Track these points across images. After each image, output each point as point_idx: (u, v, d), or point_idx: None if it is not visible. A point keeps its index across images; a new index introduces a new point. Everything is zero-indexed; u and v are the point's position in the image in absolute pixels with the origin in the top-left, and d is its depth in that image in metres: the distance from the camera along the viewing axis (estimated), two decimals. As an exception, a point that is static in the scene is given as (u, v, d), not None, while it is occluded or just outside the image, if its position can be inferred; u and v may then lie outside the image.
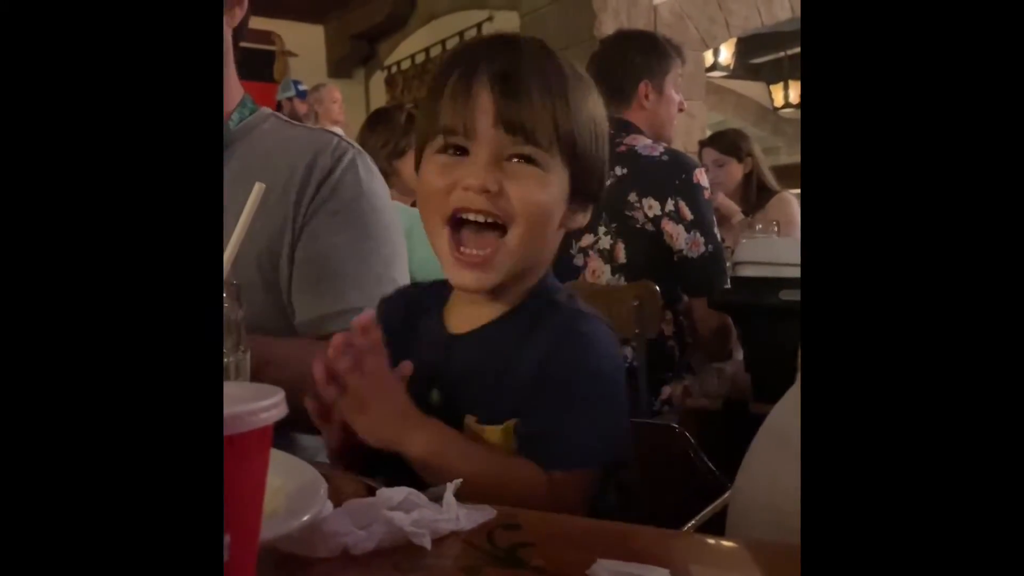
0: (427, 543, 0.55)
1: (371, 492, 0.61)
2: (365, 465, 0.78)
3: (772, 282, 1.70)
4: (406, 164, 2.43)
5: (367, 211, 1.10)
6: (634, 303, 1.80)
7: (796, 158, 8.02)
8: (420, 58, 6.56)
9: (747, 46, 6.72)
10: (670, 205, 1.92)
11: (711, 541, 0.65)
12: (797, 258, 1.68)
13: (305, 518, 0.51)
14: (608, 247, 1.95)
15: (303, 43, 7.05)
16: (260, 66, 6.63)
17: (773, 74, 8.01)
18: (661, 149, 1.98)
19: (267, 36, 6.85)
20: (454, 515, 0.59)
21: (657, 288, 1.80)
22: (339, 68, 7.20)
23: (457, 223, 0.79)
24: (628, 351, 1.81)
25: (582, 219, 0.85)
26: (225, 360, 0.64)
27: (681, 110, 2.18)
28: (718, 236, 1.99)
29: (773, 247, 1.84)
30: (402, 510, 0.57)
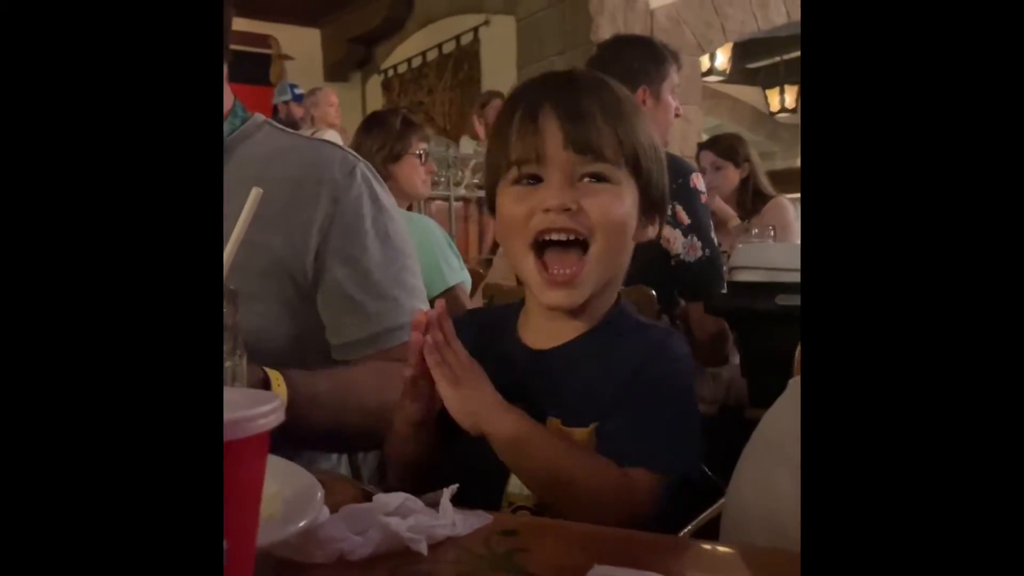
0: (424, 549, 0.55)
1: (368, 498, 0.61)
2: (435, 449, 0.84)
3: (768, 287, 1.70)
4: (402, 168, 2.43)
5: (389, 224, 1.10)
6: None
7: (792, 163, 8.05)
8: (417, 62, 6.57)
9: (743, 51, 6.75)
10: (667, 209, 1.92)
11: (707, 547, 0.65)
12: (793, 263, 1.69)
13: (302, 524, 0.51)
14: (605, 251, 1.95)
15: (299, 47, 7.06)
16: (256, 70, 6.64)
17: (769, 79, 8.04)
18: (658, 153, 1.98)
19: (263, 40, 6.85)
20: (451, 521, 0.59)
21: (653, 292, 1.80)
22: (335, 72, 7.20)
23: (540, 247, 0.83)
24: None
25: (652, 231, 0.91)
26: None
27: (677, 115, 2.18)
28: (715, 241, 1.99)
29: (769, 252, 1.85)
30: (399, 516, 0.57)
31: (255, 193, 0.69)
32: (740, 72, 7.46)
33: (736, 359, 2.00)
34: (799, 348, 0.99)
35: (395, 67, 6.86)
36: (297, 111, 4.96)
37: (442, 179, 4.45)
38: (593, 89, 0.86)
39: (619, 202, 0.84)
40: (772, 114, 8.20)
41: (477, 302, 2.25)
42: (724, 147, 3.12)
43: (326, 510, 0.56)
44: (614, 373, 0.83)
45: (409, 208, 2.65)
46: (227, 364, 0.66)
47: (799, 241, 2.48)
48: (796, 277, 1.62)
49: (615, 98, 0.86)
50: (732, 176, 3.08)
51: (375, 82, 7.14)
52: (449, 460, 0.85)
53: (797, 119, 8.14)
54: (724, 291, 1.94)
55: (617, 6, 4.46)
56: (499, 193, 0.88)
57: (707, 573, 0.60)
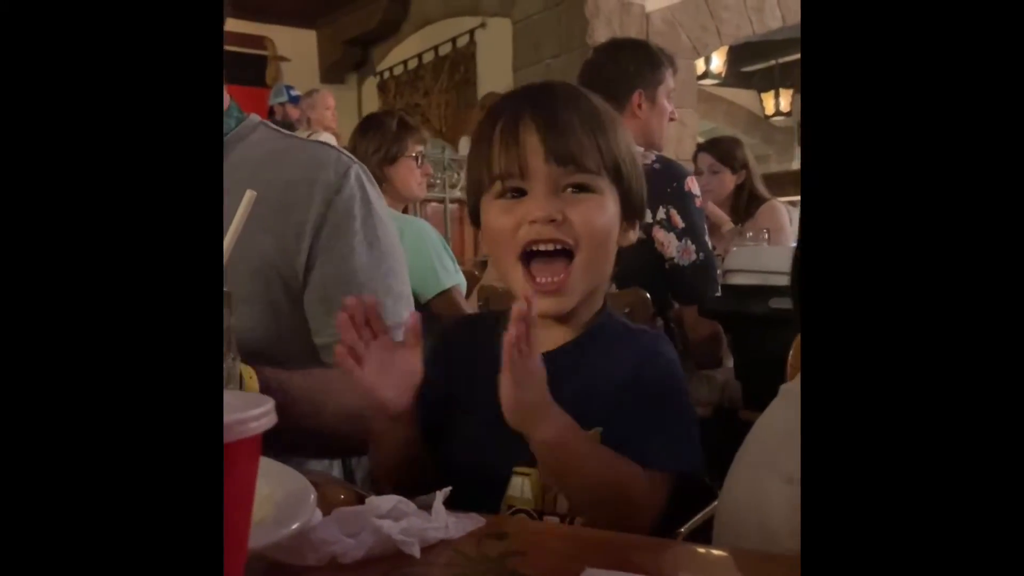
0: (416, 551, 0.55)
1: (360, 500, 0.61)
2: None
3: (762, 290, 1.71)
4: (398, 170, 2.42)
5: (378, 227, 1.10)
6: (625, 310, 1.80)
7: (786, 166, 8.07)
8: (413, 64, 6.57)
9: (738, 54, 6.75)
10: (661, 213, 1.93)
11: (700, 550, 0.65)
12: (787, 266, 1.69)
13: (294, 526, 0.51)
14: (599, 254, 1.96)
15: (296, 48, 7.06)
16: (252, 71, 6.63)
17: (764, 82, 8.05)
18: (653, 157, 1.98)
19: (259, 41, 6.85)
20: (443, 523, 0.59)
21: (648, 295, 1.80)
22: (331, 73, 7.19)
23: (526, 257, 0.85)
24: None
25: (632, 236, 0.92)
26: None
27: (672, 119, 2.19)
28: (709, 244, 2.00)
29: (763, 255, 1.85)
30: (391, 518, 0.57)
31: (249, 195, 0.69)
32: (735, 75, 7.47)
33: (730, 362, 2.00)
34: (791, 352, 0.99)
35: (391, 69, 6.85)
36: (293, 113, 4.95)
37: (438, 181, 4.45)
38: (571, 101, 0.87)
39: (602, 211, 0.86)
40: (767, 117, 8.21)
41: (472, 304, 2.25)
42: (723, 151, 3.12)
43: (319, 512, 0.56)
44: (609, 378, 0.84)
45: (404, 210, 2.65)
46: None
47: (793, 244, 2.49)
48: (789, 280, 1.62)
49: (593, 109, 0.88)
50: (728, 182, 3.08)
51: (371, 84, 7.13)
52: (447, 462, 0.85)
53: (791, 123, 8.17)
54: (718, 294, 1.94)
55: (613, 9, 4.46)
56: (483, 206, 0.89)
57: (699, 576, 0.60)
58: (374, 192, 1.11)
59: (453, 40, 6.05)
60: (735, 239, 2.39)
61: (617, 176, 0.87)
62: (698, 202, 1.99)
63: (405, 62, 6.65)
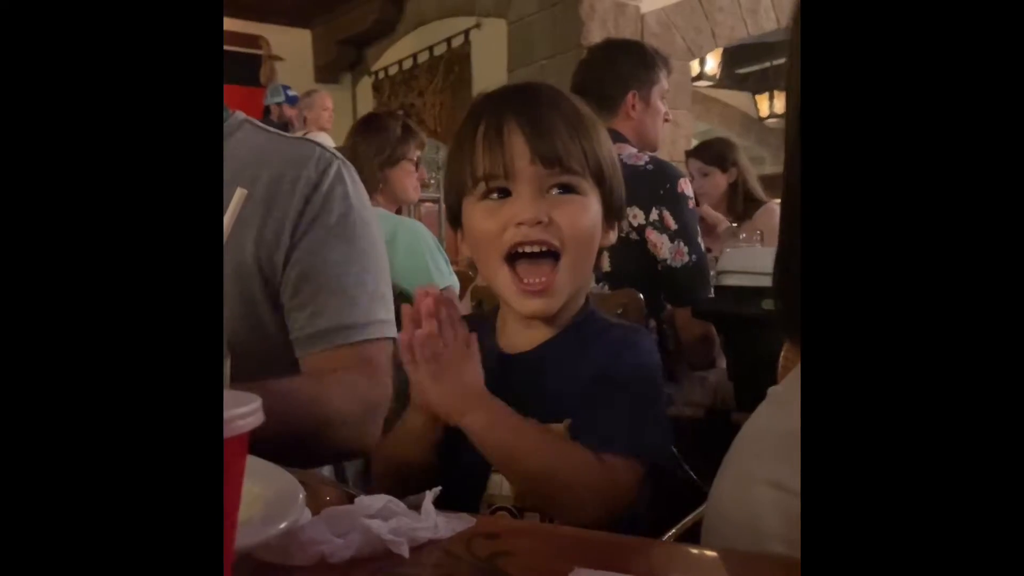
0: (405, 551, 0.55)
1: (350, 500, 0.61)
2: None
3: (755, 291, 1.71)
4: (396, 173, 2.42)
5: (358, 225, 1.09)
6: (618, 311, 1.80)
7: (780, 168, 8.05)
8: (408, 64, 6.56)
9: (733, 56, 6.77)
10: (654, 214, 1.93)
11: (690, 550, 0.65)
12: (780, 268, 1.70)
13: (282, 526, 0.50)
14: (592, 255, 1.96)
15: (290, 47, 7.05)
16: (246, 70, 6.63)
17: (758, 84, 8.06)
18: (646, 158, 1.98)
19: (254, 40, 6.84)
20: (432, 523, 0.58)
21: (641, 296, 1.80)
22: (326, 73, 7.18)
23: (512, 258, 0.85)
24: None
25: (613, 236, 0.93)
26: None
27: (666, 121, 2.19)
28: (702, 246, 2.00)
29: (757, 256, 1.86)
30: (380, 518, 0.57)
31: (240, 193, 0.69)
32: (730, 77, 7.49)
33: (723, 363, 2.00)
34: (782, 354, 0.99)
35: (386, 69, 6.84)
36: (290, 113, 4.96)
37: (432, 182, 4.45)
38: (554, 102, 0.88)
39: (587, 213, 0.86)
40: (761, 119, 8.23)
41: (466, 305, 2.25)
42: (711, 153, 3.13)
43: (307, 512, 0.55)
44: (583, 371, 0.85)
45: (398, 211, 2.64)
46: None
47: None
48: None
49: (575, 111, 0.88)
50: (719, 182, 3.08)
51: (365, 84, 7.12)
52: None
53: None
54: (711, 295, 1.94)
55: (608, 10, 4.47)
56: (466, 208, 0.89)
57: (689, 577, 0.60)
58: (354, 188, 1.10)
59: (448, 40, 6.05)
60: (729, 240, 2.40)
61: (599, 178, 0.87)
62: (691, 204, 1.99)
63: (400, 62, 6.65)
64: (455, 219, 0.93)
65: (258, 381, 0.96)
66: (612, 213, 0.91)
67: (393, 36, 6.70)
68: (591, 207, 0.87)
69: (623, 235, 1.93)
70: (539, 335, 0.89)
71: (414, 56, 6.47)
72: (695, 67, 5.89)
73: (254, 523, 0.49)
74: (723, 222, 3.02)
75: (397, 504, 0.60)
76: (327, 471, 1.16)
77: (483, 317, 0.97)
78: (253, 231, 1.03)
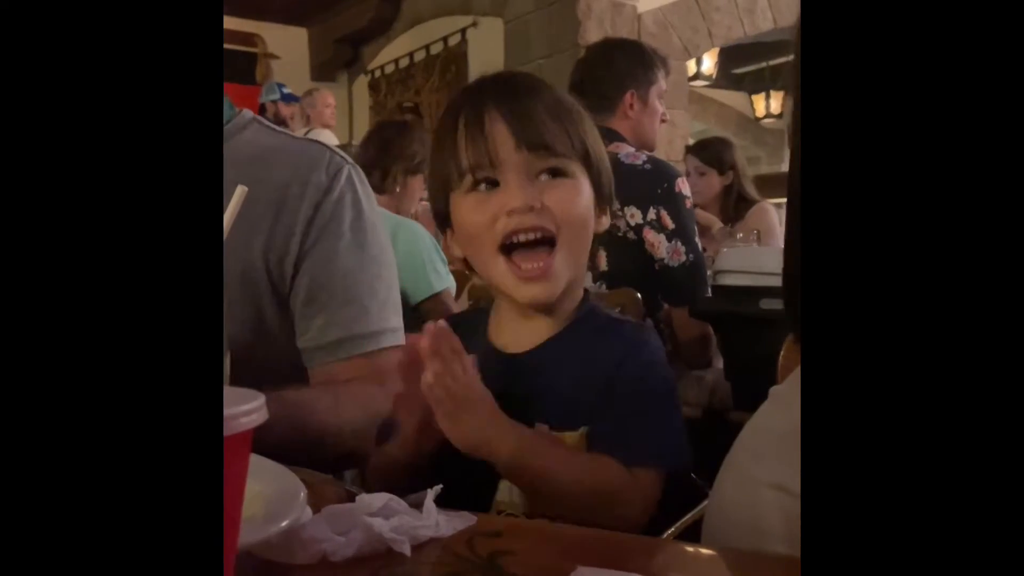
0: (407, 550, 0.55)
1: (351, 498, 0.61)
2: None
3: (753, 291, 1.71)
4: (416, 181, 2.43)
5: (368, 230, 1.08)
6: (615, 310, 1.80)
7: (777, 168, 8.10)
8: (404, 62, 6.55)
9: (729, 56, 6.77)
10: (652, 214, 1.93)
11: (690, 549, 0.65)
12: (778, 267, 1.70)
13: (284, 524, 0.50)
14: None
15: (286, 46, 7.03)
16: (242, 68, 6.61)
17: (755, 84, 8.08)
18: (644, 158, 1.98)
19: (250, 38, 6.82)
20: (434, 521, 0.58)
21: (638, 295, 1.81)
22: (322, 71, 7.17)
23: (507, 249, 0.83)
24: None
25: (605, 222, 0.91)
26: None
27: (663, 121, 2.19)
28: (699, 245, 2.00)
29: (754, 256, 1.86)
30: (382, 516, 0.57)
31: (240, 191, 0.69)
32: (726, 77, 7.50)
33: (720, 363, 2.00)
34: (782, 353, 0.99)
35: (382, 68, 6.83)
36: (285, 111, 4.96)
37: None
38: (532, 89, 0.86)
39: (579, 196, 0.84)
40: (757, 119, 8.24)
41: (463, 304, 2.24)
42: (710, 153, 3.13)
43: (309, 510, 0.55)
44: (595, 373, 0.83)
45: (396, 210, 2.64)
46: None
47: (783, 245, 2.49)
48: (780, 281, 1.63)
49: (555, 97, 0.86)
50: (715, 183, 3.09)
51: (362, 82, 7.11)
52: (436, 467, 0.84)
53: (782, 124, 8.20)
54: (708, 295, 1.95)
55: (605, 10, 4.47)
56: (454, 204, 0.86)
57: (690, 575, 0.60)
58: (365, 194, 1.10)
59: (445, 39, 6.04)
60: (725, 240, 2.40)
61: (587, 161, 0.85)
62: (688, 203, 2.00)
63: (396, 61, 6.64)
64: (443, 218, 0.90)
65: (273, 391, 0.96)
66: (602, 198, 0.89)
67: (390, 35, 6.69)
68: (583, 189, 0.85)
69: (621, 235, 1.94)
70: (540, 333, 0.87)
71: (411, 55, 6.46)
72: (691, 67, 5.90)
73: (256, 521, 0.49)
74: (716, 223, 3.02)
75: (398, 502, 0.60)
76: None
77: (475, 315, 0.95)
78: (262, 236, 1.02)
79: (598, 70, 2.13)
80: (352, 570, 0.54)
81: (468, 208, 0.85)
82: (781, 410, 0.68)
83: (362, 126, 6.81)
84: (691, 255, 1.95)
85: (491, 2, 5.38)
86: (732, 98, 8.43)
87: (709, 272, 2.00)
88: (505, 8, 5.16)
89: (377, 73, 6.91)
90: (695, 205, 2.23)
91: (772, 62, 7.49)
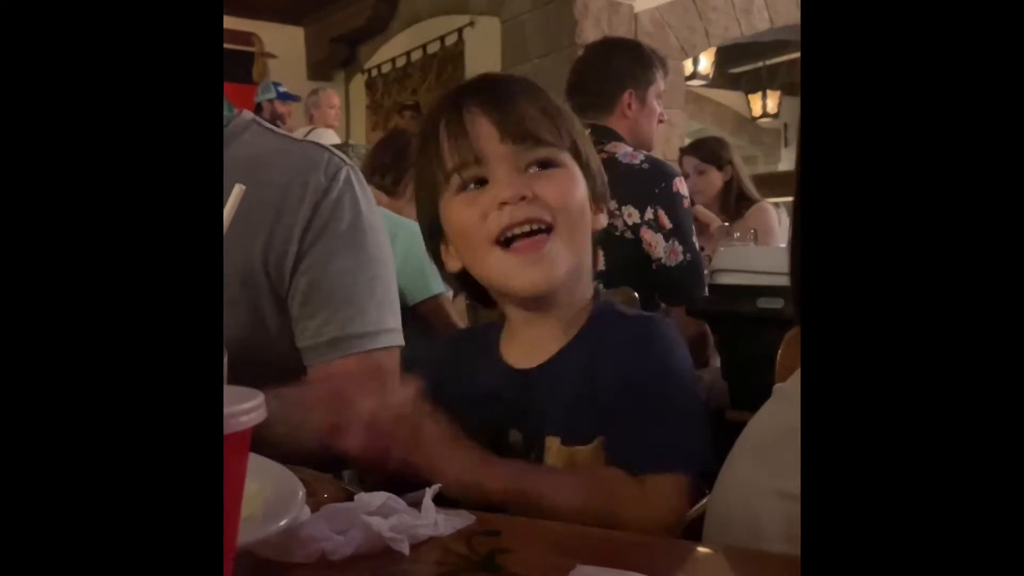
0: (405, 549, 0.55)
1: (349, 497, 0.61)
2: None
3: (750, 290, 1.71)
4: None
5: (367, 231, 1.08)
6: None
7: (773, 167, 8.10)
8: (401, 62, 6.55)
9: (726, 56, 6.77)
10: (649, 213, 1.93)
11: (692, 547, 0.65)
12: (775, 267, 1.70)
13: (283, 523, 0.50)
14: (587, 254, 1.96)
15: (283, 45, 7.02)
16: (239, 67, 6.60)
17: (751, 84, 8.08)
18: (641, 157, 1.98)
19: (246, 37, 6.81)
20: (432, 520, 0.58)
21: (636, 295, 1.80)
22: (319, 71, 7.16)
23: (505, 244, 0.80)
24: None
25: (602, 220, 0.88)
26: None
27: (661, 121, 2.19)
28: (696, 245, 2.00)
29: (751, 255, 1.86)
30: (380, 515, 0.57)
31: (238, 189, 0.69)
32: (723, 77, 7.50)
33: (717, 361, 2.01)
34: (780, 351, 0.99)
35: (379, 67, 6.82)
36: (281, 109, 4.95)
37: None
38: (512, 83, 0.84)
39: (573, 183, 0.81)
40: (754, 119, 8.24)
41: (460, 304, 2.24)
42: (707, 151, 3.13)
43: (307, 509, 0.55)
44: (606, 380, 0.79)
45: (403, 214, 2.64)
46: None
47: (782, 245, 2.50)
48: (778, 281, 1.63)
49: (537, 90, 0.84)
50: (715, 180, 3.09)
51: (358, 82, 7.10)
52: None
53: (779, 124, 8.22)
54: (705, 294, 1.95)
55: (602, 9, 4.47)
56: (444, 208, 0.84)
57: (690, 574, 0.60)
58: (364, 195, 1.09)
59: (441, 38, 6.04)
60: (723, 239, 2.40)
61: (576, 152, 0.83)
62: (686, 203, 2.00)
63: (393, 60, 6.63)
64: (432, 228, 0.87)
65: (272, 389, 0.95)
66: (596, 195, 0.86)
67: (387, 34, 6.68)
68: (576, 178, 0.82)
69: (618, 234, 1.93)
70: (551, 345, 0.83)
71: (407, 54, 6.45)
72: (688, 66, 5.89)
73: (254, 520, 0.49)
74: (716, 221, 3.02)
75: (397, 501, 0.60)
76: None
77: (486, 330, 0.92)
78: (262, 237, 1.02)
79: (596, 69, 2.12)
80: (351, 569, 0.54)
81: (458, 208, 0.82)
82: (784, 407, 0.68)
83: (359, 126, 6.80)
84: (688, 255, 1.95)
85: (488, 1, 5.38)
86: (729, 98, 8.43)
87: (706, 271, 2.01)
88: (502, 7, 5.16)
89: (374, 72, 6.90)
90: (695, 203, 2.23)
91: (769, 62, 7.50)
